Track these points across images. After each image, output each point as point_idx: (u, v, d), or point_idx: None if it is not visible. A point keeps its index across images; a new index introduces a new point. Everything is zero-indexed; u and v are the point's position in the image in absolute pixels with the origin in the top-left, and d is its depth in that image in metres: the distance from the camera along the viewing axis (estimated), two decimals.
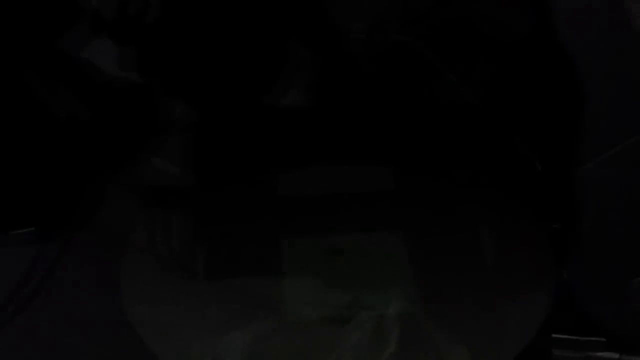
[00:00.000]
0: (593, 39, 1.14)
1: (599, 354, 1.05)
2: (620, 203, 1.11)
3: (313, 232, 1.14)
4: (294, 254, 1.12)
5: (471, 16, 1.19)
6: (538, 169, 1.17)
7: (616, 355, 1.04)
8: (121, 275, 1.11)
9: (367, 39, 1.22)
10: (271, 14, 1.21)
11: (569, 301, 1.08)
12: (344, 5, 1.21)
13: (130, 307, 1.08)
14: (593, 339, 1.05)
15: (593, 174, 1.13)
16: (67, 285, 1.11)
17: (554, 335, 1.06)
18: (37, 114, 1.15)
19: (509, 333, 1.06)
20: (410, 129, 1.21)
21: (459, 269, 1.10)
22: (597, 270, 1.09)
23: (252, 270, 1.11)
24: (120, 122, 1.19)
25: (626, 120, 1.13)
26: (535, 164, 1.17)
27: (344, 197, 1.17)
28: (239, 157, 1.20)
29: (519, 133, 1.18)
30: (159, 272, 1.11)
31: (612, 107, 1.15)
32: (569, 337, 1.06)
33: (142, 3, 1.16)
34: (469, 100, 1.21)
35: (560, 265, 1.10)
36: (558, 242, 1.12)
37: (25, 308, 1.08)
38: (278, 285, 1.09)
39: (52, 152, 1.14)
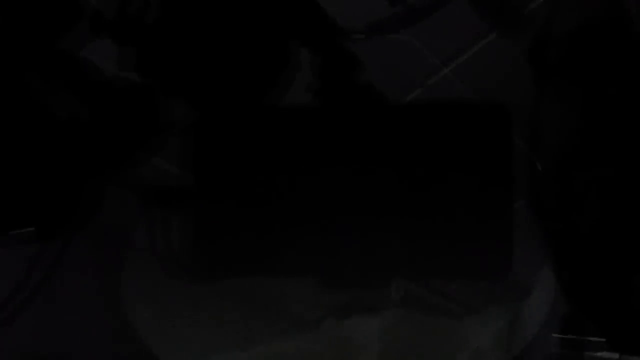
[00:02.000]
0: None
1: (599, 354, 1.05)
2: (620, 203, 1.11)
3: (314, 232, 1.14)
4: (294, 254, 1.12)
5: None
6: (538, 169, 1.17)
7: (616, 355, 1.04)
8: (121, 276, 1.11)
9: (367, 38, 1.22)
10: (271, 15, 1.21)
11: (569, 301, 1.08)
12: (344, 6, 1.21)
13: (130, 307, 1.08)
14: (593, 339, 1.05)
15: (592, 174, 1.13)
16: (67, 286, 1.11)
17: (554, 335, 1.06)
18: (37, 114, 1.15)
19: (509, 333, 1.06)
20: (411, 129, 1.21)
21: (459, 268, 1.10)
22: (597, 270, 1.09)
23: (253, 271, 1.11)
24: (120, 122, 1.18)
25: (625, 120, 1.13)
26: (536, 164, 1.17)
27: (344, 197, 1.17)
28: (239, 157, 1.20)
29: (519, 133, 1.18)
30: (159, 273, 1.11)
31: (612, 107, 1.15)
32: (569, 337, 1.06)
33: (142, 3, 1.16)
34: (467, 99, 1.21)
35: (560, 265, 1.10)
36: (558, 242, 1.12)
37: (25, 308, 1.08)
38: (278, 286, 1.09)
39: (52, 152, 1.14)
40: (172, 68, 1.20)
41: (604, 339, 1.05)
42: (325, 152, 1.19)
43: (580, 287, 1.08)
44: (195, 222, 1.15)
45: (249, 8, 1.20)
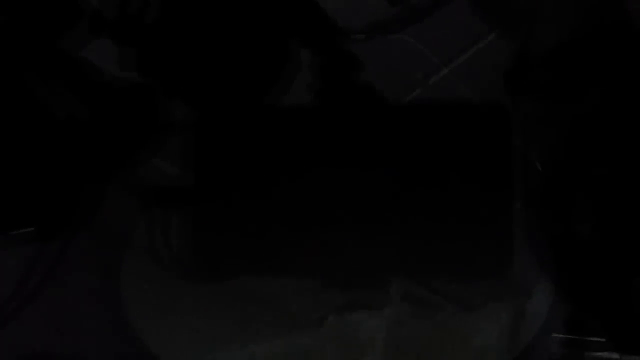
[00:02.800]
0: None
1: (599, 354, 1.05)
2: (620, 203, 1.11)
3: (313, 232, 1.14)
4: (294, 254, 1.12)
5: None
6: (538, 169, 1.17)
7: (616, 355, 1.04)
8: (121, 276, 1.11)
9: (367, 38, 1.22)
10: (271, 15, 1.21)
11: (569, 301, 1.08)
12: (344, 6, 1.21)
13: (130, 307, 1.08)
14: (593, 339, 1.05)
15: (592, 175, 1.13)
16: (67, 285, 1.10)
17: (554, 335, 1.06)
18: (37, 114, 1.15)
19: (509, 333, 1.06)
20: (411, 129, 1.21)
21: (460, 268, 1.10)
22: (597, 270, 1.09)
23: (252, 271, 1.11)
24: (120, 122, 1.18)
25: (624, 120, 1.13)
26: (535, 164, 1.17)
27: (344, 197, 1.17)
28: (239, 156, 1.20)
29: (519, 133, 1.18)
30: (159, 273, 1.11)
31: (611, 107, 1.15)
32: (569, 337, 1.06)
33: (142, 3, 1.16)
34: (467, 99, 1.21)
35: (560, 266, 1.10)
36: (558, 242, 1.12)
37: (25, 308, 1.08)
38: (278, 286, 1.09)
39: (52, 152, 1.14)
40: (172, 68, 1.20)
41: (604, 339, 1.05)
42: (325, 152, 1.19)
43: (580, 287, 1.08)
44: (195, 222, 1.15)
45: (249, 8, 1.20)
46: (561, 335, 1.06)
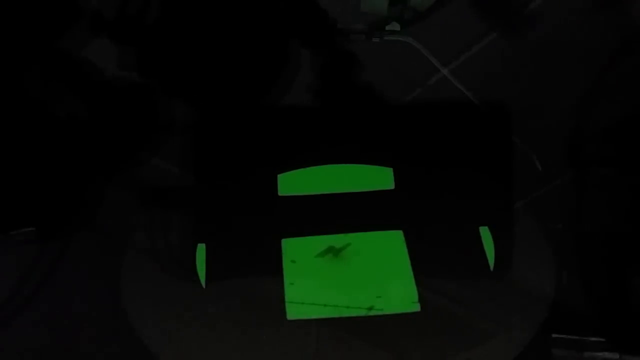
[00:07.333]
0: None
1: (599, 354, 1.05)
2: (619, 203, 1.11)
3: (313, 232, 1.14)
4: (293, 255, 1.12)
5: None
6: (538, 169, 1.17)
7: (616, 356, 1.04)
8: (121, 276, 1.11)
9: (367, 38, 1.23)
10: (271, 15, 1.22)
11: (569, 301, 1.08)
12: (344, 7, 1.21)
13: (129, 307, 1.08)
14: (593, 339, 1.05)
15: (593, 175, 1.13)
16: (67, 285, 1.11)
17: (554, 335, 1.06)
18: (37, 114, 1.15)
19: (509, 332, 1.06)
20: (411, 129, 1.21)
21: (459, 269, 1.10)
22: (597, 270, 1.09)
23: (252, 271, 1.11)
24: (120, 122, 1.19)
25: (625, 119, 1.14)
26: (535, 164, 1.17)
27: (344, 197, 1.17)
28: (239, 157, 1.20)
29: (519, 133, 1.18)
30: (159, 273, 1.11)
31: (611, 107, 1.15)
32: (569, 337, 1.06)
33: (142, 3, 1.16)
34: (467, 99, 1.21)
35: (560, 266, 1.10)
36: (558, 242, 1.12)
37: (25, 308, 1.08)
38: (278, 286, 1.09)
39: (52, 152, 1.14)
40: (172, 68, 1.20)
41: (604, 339, 1.05)
42: (325, 152, 1.19)
43: (580, 287, 1.08)
44: (195, 222, 1.15)
45: (249, 8, 1.20)
46: (561, 335, 1.06)
